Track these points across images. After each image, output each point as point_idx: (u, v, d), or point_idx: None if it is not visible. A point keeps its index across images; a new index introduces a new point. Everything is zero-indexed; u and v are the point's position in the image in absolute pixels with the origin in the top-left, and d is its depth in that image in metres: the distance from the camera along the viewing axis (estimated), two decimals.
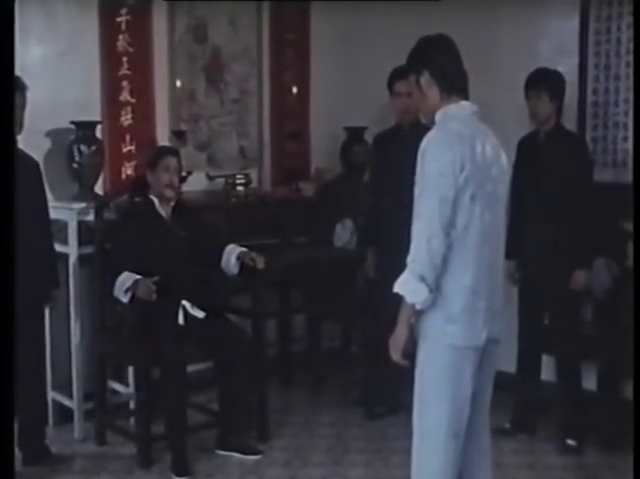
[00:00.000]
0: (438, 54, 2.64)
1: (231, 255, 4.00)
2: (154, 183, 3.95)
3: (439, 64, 2.61)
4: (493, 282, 2.60)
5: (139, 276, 3.70)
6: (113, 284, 3.75)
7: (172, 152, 4.07)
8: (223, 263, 4.01)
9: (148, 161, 4.04)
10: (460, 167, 2.46)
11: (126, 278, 3.71)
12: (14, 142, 3.44)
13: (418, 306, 2.49)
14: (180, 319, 3.78)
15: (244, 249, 4.01)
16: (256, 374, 4.02)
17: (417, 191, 2.51)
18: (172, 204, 4.00)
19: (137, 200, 4.04)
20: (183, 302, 3.80)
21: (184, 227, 3.97)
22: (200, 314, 3.84)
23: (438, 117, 2.61)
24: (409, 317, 2.52)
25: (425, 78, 2.62)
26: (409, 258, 2.47)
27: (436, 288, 2.48)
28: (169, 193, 3.95)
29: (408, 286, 2.46)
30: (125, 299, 3.72)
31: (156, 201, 3.97)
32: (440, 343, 2.54)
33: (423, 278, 2.43)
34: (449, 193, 2.45)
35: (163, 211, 3.98)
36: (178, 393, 3.69)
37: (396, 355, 2.54)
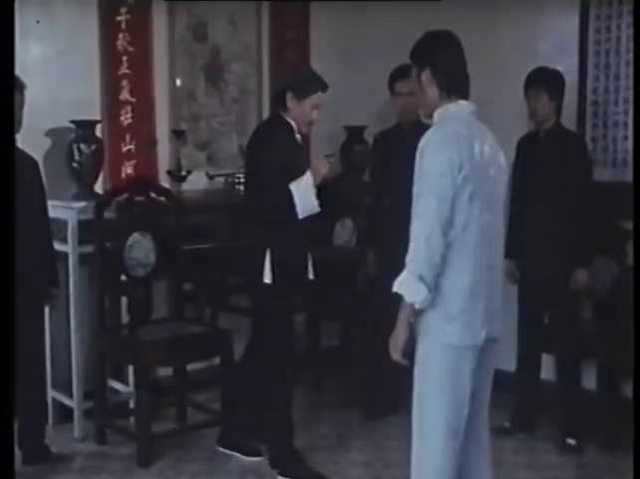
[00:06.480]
0: (442, 52, 2.63)
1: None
2: (296, 111, 3.63)
3: (441, 63, 2.61)
4: (492, 282, 2.60)
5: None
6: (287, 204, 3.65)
7: (325, 87, 3.67)
8: None
9: (296, 86, 3.62)
10: (458, 166, 2.46)
11: (298, 185, 3.62)
12: (13, 141, 3.44)
13: (417, 306, 2.49)
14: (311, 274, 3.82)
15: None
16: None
17: (415, 190, 2.52)
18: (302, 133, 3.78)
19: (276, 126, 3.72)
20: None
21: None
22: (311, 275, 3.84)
23: (436, 116, 2.62)
24: (408, 317, 2.52)
25: (426, 74, 2.62)
26: (407, 258, 2.47)
27: (435, 288, 2.49)
28: (306, 129, 3.75)
29: (407, 286, 2.46)
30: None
31: (294, 124, 3.68)
32: (439, 343, 2.54)
33: (421, 278, 2.44)
34: (447, 192, 2.45)
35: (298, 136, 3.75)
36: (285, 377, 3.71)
37: (396, 355, 2.55)
